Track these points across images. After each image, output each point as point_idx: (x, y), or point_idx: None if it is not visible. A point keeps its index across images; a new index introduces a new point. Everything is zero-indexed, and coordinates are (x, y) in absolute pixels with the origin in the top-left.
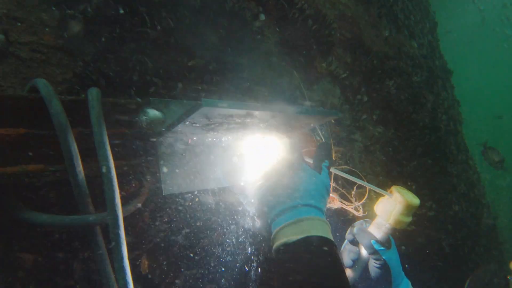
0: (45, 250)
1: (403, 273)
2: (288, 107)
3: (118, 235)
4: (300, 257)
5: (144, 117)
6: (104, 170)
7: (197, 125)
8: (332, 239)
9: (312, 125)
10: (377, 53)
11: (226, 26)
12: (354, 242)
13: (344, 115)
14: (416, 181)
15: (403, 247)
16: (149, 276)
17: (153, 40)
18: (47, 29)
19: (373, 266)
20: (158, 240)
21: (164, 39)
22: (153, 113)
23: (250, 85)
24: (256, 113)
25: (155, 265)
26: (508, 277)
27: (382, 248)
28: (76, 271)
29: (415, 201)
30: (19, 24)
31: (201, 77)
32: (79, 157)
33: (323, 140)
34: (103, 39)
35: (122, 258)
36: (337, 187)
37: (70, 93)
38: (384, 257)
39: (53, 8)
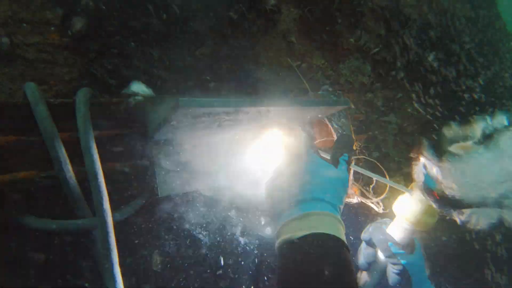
0: (56, 249)
1: (428, 283)
2: (281, 100)
3: (107, 242)
4: (304, 256)
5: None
6: (90, 175)
7: (186, 124)
8: (343, 238)
9: (319, 115)
10: (417, 21)
11: (237, 8)
12: (371, 243)
13: (376, 94)
14: None
15: (444, 238)
16: (161, 272)
17: (158, 30)
18: (52, 28)
19: (391, 272)
20: (168, 236)
21: (170, 28)
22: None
23: (266, 70)
24: (246, 109)
25: (166, 261)
26: None
27: (401, 251)
28: (85, 270)
29: None
30: (25, 25)
31: (209, 66)
32: (68, 162)
33: (340, 128)
34: (106, 34)
35: (112, 265)
36: (355, 183)
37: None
38: (403, 262)
39: (57, 6)
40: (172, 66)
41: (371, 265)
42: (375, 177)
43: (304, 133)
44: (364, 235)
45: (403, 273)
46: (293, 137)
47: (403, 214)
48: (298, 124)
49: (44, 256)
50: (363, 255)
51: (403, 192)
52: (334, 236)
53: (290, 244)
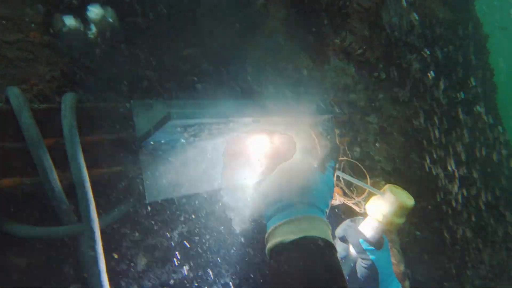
0: (38, 253)
1: (393, 275)
2: (270, 110)
3: (94, 249)
4: (296, 259)
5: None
6: (77, 183)
7: (175, 132)
8: (331, 240)
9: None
10: (401, 22)
11: (225, 8)
12: (344, 239)
13: (359, 95)
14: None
15: (417, 232)
16: (146, 273)
17: (144, 29)
18: (32, 25)
19: (361, 266)
20: (154, 238)
21: (156, 28)
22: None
23: (252, 71)
24: (235, 119)
25: (152, 263)
26: None
27: (370, 248)
28: (69, 273)
29: (409, 202)
30: (4, 22)
31: (196, 67)
32: (53, 169)
33: (325, 132)
34: (90, 32)
35: (99, 272)
36: (338, 182)
37: (59, 93)
38: (371, 257)
39: (38, 3)
40: (158, 66)
41: (343, 259)
42: (353, 181)
43: (293, 139)
44: (338, 231)
45: (372, 267)
46: (282, 143)
47: (374, 214)
48: (287, 130)
49: (26, 260)
50: None
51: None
52: (324, 239)
53: (282, 247)
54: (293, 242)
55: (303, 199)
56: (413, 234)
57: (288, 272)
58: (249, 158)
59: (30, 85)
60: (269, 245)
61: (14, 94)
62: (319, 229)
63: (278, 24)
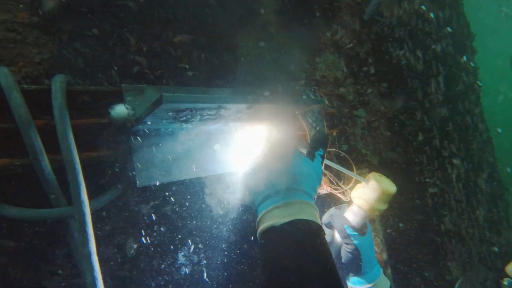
0: (27, 236)
1: (375, 260)
2: (262, 98)
3: (85, 231)
4: (287, 241)
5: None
6: (67, 165)
7: (167, 116)
8: (320, 223)
9: (296, 112)
10: (390, 18)
11: None
12: (330, 226)
13: (348, 89)
14: (422, 156)
15: (401, 224)
16: (135, 258)
17: (135, 13)
18: (21, 6)
19: (345, 251)
20: (144, 223)
21: (147, 12)
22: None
23: (244, 61)
24: (228, 105)
25: (141, 248)
26: (504, 281)
27: (354, 233)
28: (58, 256)
29: (391, 189)
30: None
31: (188, 54)
32: (43, 151)
33: (314, 123)
34: (80, 15)
35: (89, 254)
36: (325, 171)
37: (48, 75)
38: (355, 242)
39: None
40: (149, 52)
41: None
42: (340, 169)
43: (283, 128)
44: (324, 218)
45: (355, 252)
46: (273, 132)
47: (358, 200)
48: (278, 119)
49: (15, 243)
50: None
51: (361, 181)
52: (313, 221)
53: (274, 230)
54: (284, 225)
55: (292, 185)
56: (397, 226)
57: (280, 252)
58: (243, 144)
59: (18, 66)
60: (261, 228)
61: (3, 73)
62: (308, 213)
63: (270, 15)
